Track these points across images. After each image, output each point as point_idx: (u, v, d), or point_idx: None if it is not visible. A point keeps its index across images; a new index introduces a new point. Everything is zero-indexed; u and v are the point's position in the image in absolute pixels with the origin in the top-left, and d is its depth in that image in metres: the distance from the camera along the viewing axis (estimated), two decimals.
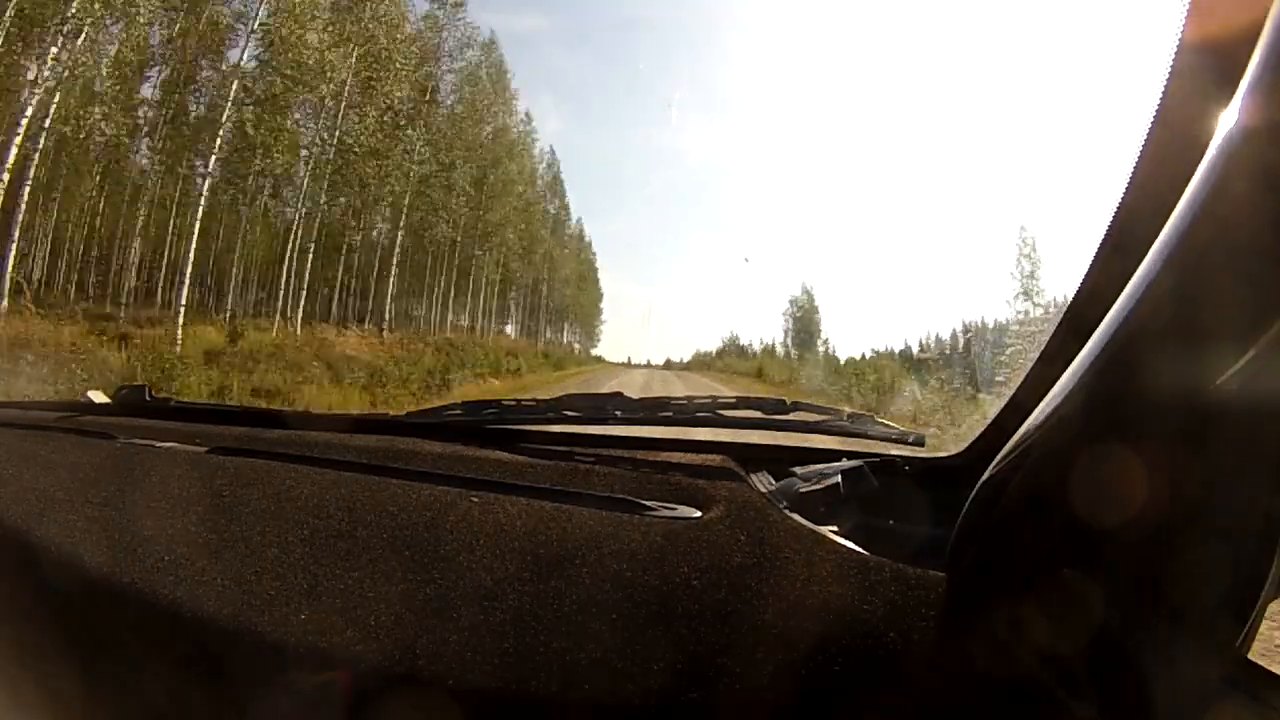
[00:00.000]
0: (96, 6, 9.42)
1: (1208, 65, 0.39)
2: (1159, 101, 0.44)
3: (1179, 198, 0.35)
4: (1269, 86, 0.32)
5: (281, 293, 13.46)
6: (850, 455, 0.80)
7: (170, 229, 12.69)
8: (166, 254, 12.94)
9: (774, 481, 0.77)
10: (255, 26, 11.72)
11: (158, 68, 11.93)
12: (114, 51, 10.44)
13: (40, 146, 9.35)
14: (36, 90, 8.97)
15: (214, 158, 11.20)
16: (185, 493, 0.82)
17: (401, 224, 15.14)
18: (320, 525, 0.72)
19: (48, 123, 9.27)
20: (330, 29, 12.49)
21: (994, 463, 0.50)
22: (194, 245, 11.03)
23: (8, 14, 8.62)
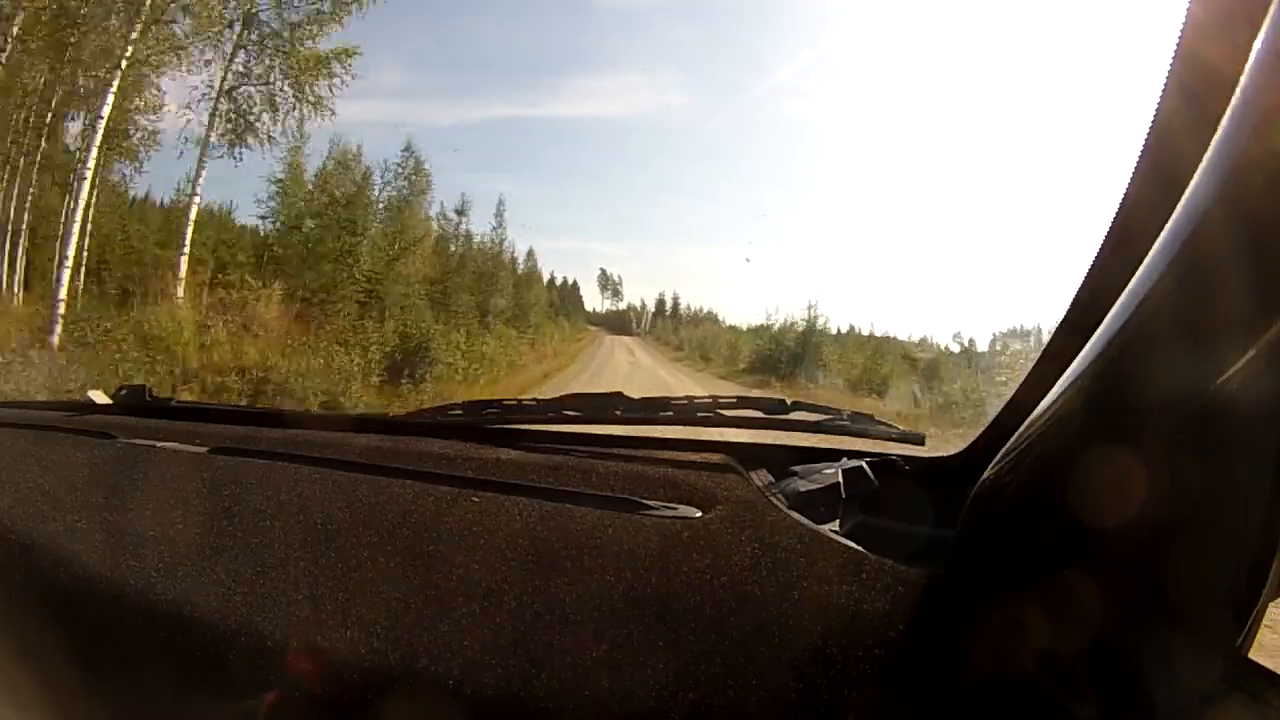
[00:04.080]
0: None
1: (1208, 65, 0.39)
2: (1159, 102, 0.44)
3: (1179, 198, 0.35)
4: (1268, 87, 0.32)
5: None
6: (850, 455, 0.80)
7: None
8: None
9: (774, 481, 0.77)
10: None
11: None
12: None
13: None
14: None
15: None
16: (185, 493, 0.82)
17: None
18: (320, 525, 0.72)
19: None
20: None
21: (994, 463, 0.50)
22: None
23: None
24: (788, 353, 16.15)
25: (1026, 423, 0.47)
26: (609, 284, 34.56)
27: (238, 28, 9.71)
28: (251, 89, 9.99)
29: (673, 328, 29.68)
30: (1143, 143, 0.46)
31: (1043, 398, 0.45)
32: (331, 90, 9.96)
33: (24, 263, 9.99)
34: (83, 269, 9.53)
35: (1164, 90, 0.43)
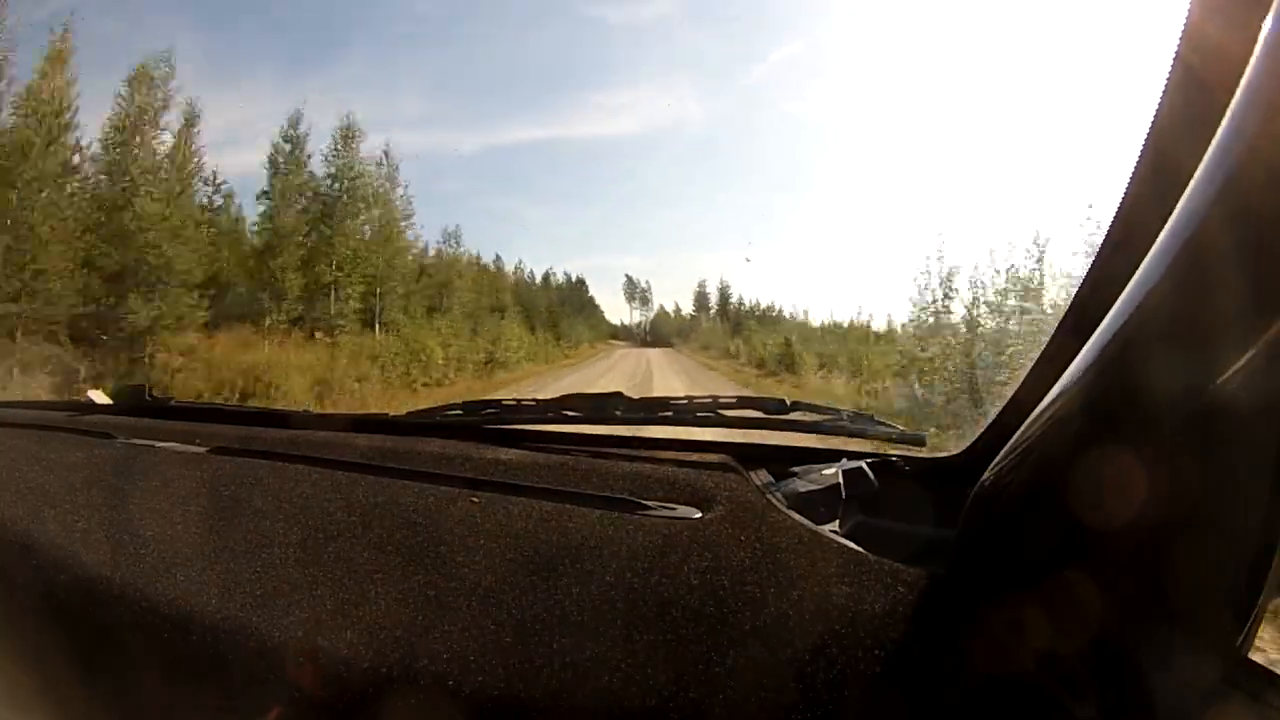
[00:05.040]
0: None
1: (1208, 65, 0.39)
2: (1159, 102, 0.44)
3: (1179, 198, 0.35)
4: (1268, 87, 0.32)
5: None
6: (850, 455, 0.80)
7: None
8: None
9: (774, 481, 0.77)
10: None
11: None
12: None
13: None
14: None
15: None
16: (185, 493, 0.82)
17: None
18: (320, 525, 0.72)
19: None
20: None
21: (994, 463, 0.50)
22: None
23: None
24: None
25: (1026, 423, 0.47)
26: (636, 292, 33.24)
27: None
28: None
29: (728, 331, 23.80)
30: (1143, 142, 0.46)
31: (1043, 398, 0.45)
32: None
33: None
34: None
35: (1164, 90, 0.43)
